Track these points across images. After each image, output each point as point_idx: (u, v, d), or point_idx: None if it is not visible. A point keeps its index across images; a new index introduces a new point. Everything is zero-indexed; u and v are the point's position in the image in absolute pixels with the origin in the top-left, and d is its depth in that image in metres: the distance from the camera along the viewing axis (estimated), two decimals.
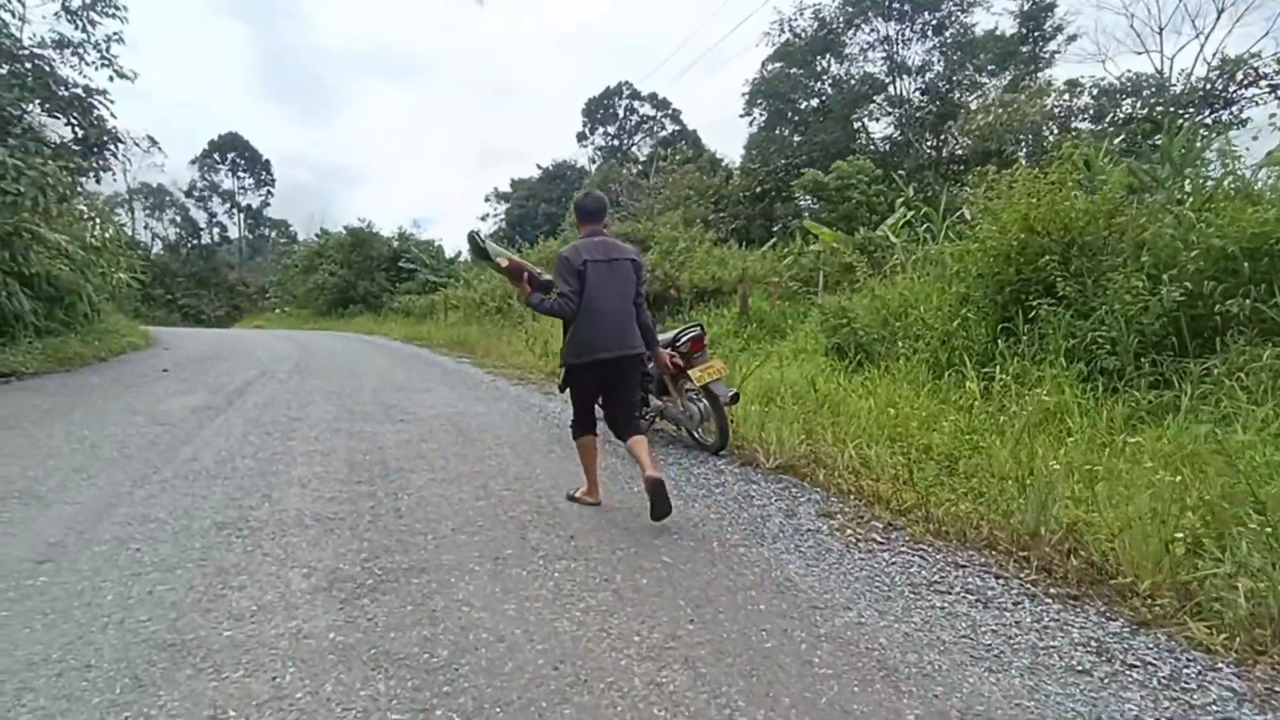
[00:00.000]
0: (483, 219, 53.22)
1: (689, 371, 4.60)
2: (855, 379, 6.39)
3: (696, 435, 5.02)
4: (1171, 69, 16.19)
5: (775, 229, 26.54)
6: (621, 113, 52.36)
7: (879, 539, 3.32)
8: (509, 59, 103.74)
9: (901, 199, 11.07)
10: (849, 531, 3.41)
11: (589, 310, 3.49)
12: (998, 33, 22.93)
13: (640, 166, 38.53)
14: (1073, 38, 22.29)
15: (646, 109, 51.77)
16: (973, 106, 19.78)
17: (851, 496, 3.87)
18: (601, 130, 52.36)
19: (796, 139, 27.45)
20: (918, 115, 24.20)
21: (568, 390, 3.72)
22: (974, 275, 6.38)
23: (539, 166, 48.49)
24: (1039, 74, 21.88)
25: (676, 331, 4.89)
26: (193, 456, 4.68)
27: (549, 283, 3.61)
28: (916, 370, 6.11)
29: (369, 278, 30.05)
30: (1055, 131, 15.00)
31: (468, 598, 2.63)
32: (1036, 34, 22.02)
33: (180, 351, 14.38)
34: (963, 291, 6.56)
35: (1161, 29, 20.20)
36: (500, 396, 7.64)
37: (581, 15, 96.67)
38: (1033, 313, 5.43)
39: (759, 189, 26.26)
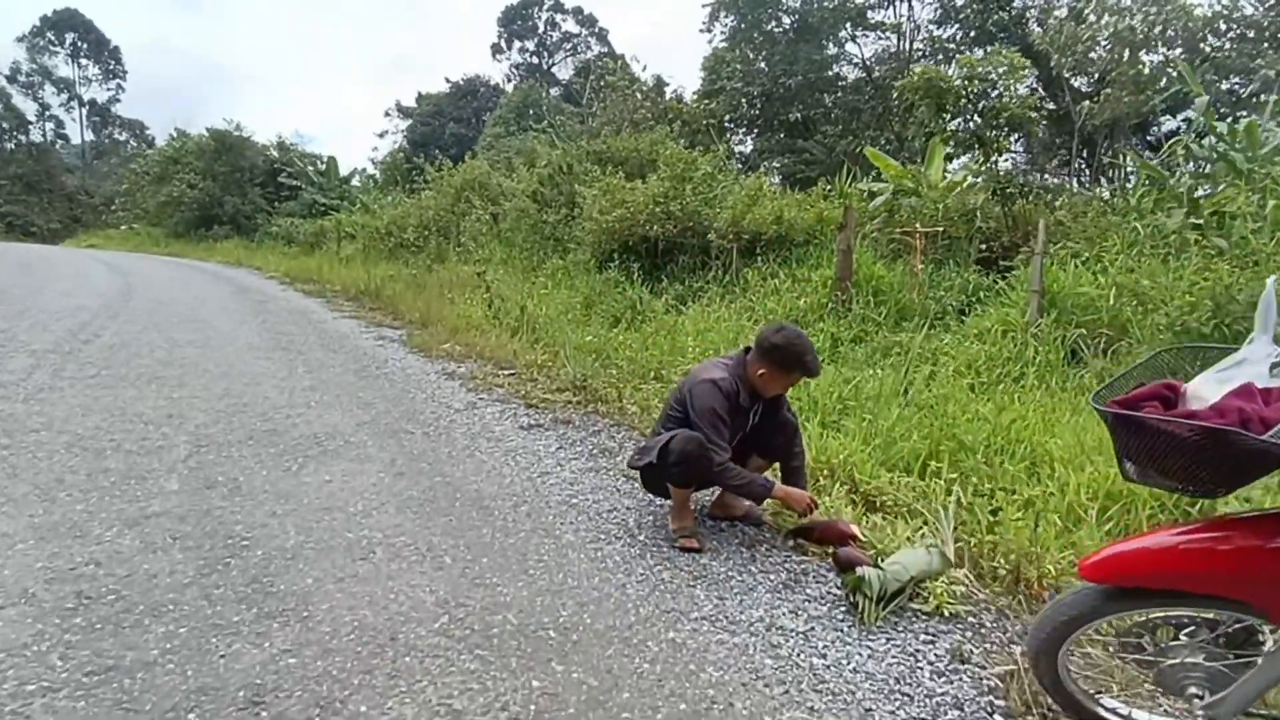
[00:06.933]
0: (381, 135, 46.01)
1: None
2: None
3: None
4: None
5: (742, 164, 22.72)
6: (542, 27, 46.58)
7: None
8: None
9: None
10: None
11: None
12: None
13: (564, 87, 32.94)
14: None
15: (570, 25, 46.67)
16: (1061, 14, 15.72)
17: None
18: (519, 46, 46.71)
19: (762, 64, 23.54)
20: (968, 28, 19.91)
21: None
22: None
23: (448, 81, 42.21)
24: None
25: None
26: None
27: None
28: None
29: (240, 194, 23.93)
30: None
31: None
32: None
33: None
34: None
35: None
36: (533, 488, 3.33)
37: None
38: None
39: (728, 118, 22.47)
